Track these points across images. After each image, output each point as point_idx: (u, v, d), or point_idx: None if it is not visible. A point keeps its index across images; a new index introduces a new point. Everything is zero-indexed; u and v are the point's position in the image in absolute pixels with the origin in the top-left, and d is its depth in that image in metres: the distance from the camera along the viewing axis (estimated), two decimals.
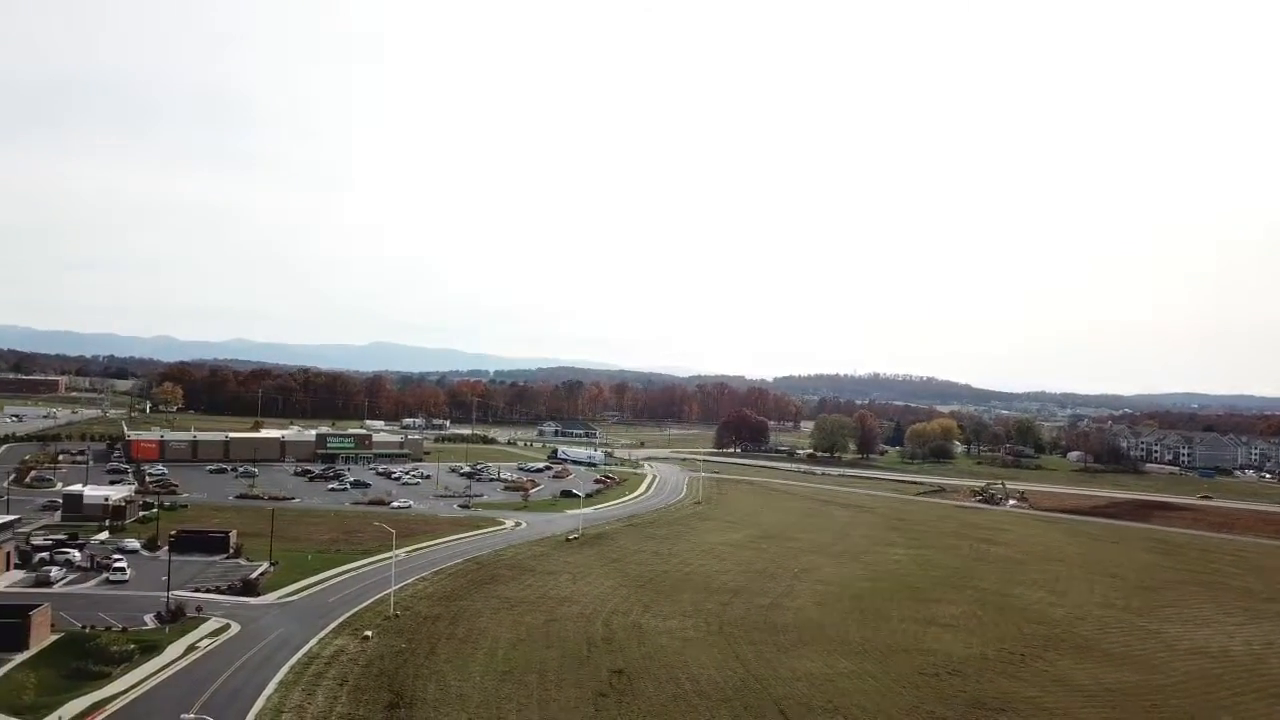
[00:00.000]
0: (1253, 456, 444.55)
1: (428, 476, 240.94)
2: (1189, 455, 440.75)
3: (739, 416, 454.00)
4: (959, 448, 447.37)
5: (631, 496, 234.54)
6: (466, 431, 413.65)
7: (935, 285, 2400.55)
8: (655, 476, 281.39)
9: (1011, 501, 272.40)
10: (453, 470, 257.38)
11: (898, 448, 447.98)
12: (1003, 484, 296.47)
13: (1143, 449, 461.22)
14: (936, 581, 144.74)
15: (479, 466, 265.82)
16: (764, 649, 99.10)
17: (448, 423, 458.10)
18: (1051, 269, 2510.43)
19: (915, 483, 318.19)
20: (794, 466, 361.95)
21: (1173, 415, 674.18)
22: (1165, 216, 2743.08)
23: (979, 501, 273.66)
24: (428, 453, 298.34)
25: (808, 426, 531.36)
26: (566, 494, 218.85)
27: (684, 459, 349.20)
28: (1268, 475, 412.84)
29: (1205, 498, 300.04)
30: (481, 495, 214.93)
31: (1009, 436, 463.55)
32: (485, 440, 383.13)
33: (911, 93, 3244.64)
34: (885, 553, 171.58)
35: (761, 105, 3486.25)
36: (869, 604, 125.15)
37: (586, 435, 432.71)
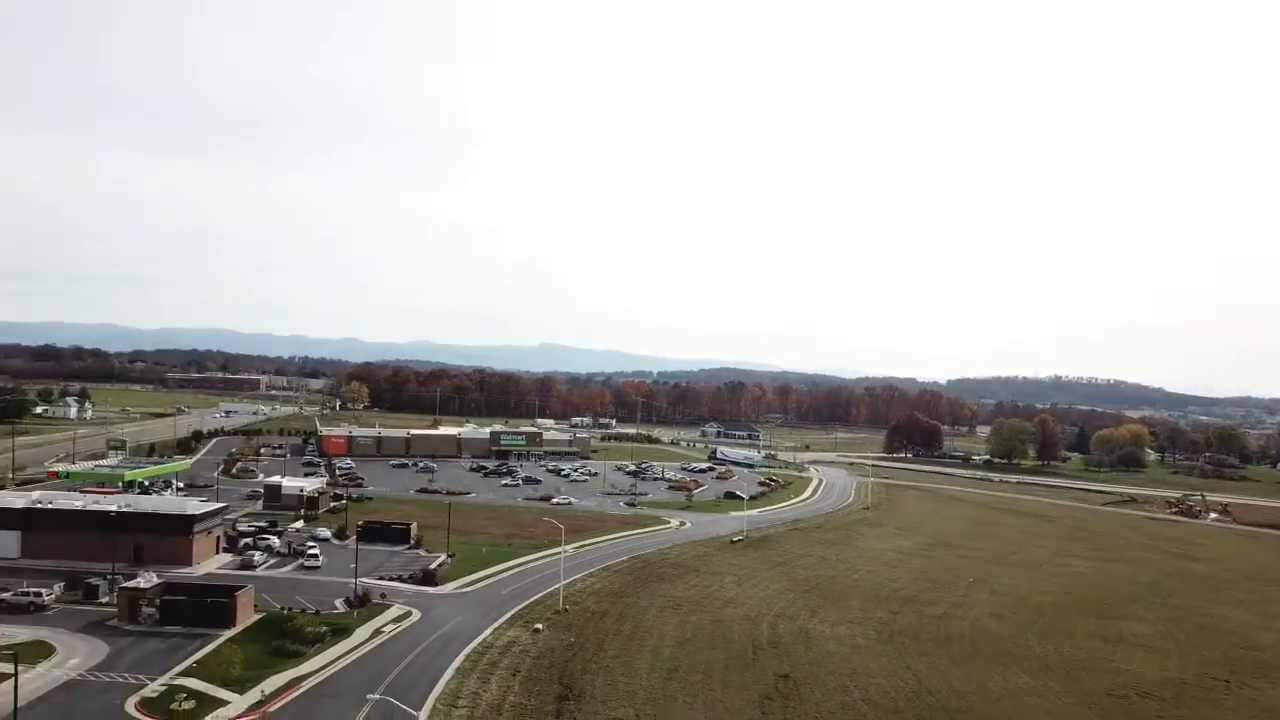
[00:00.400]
0: None
1: (595, 474, 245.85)
2: None
3: (910, 420, 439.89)
4: (1151, 456, 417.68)
5: (797, 500, 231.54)
6: (631, 431, 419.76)
7: (1125, 282, 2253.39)
8: (821, 480, 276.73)
9: (1213, 515, 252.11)
10: (618, 468, 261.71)
11: (1082, 455, 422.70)
12: (1202, 495, 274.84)
13: None
14: (1126, 597, 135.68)
15: (644, 465, 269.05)
16: (937, 660, 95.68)
17: (613, 422, 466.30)
18: (1254, 264, 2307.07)
19: (1101, 492, 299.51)
20: (969, 473, 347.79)
21: None
22: None
23: (1174, 514, 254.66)
24: (595, 451, 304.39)
25: (984, 431, 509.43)
26: (730, 495, 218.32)
27: (851, 463, 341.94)
28: None
29: None
30: (646, 494, 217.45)
31: (1209, 444, 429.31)
32: (649, 440, 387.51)
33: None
34: (1067, 564, 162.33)
35: (914, 97, 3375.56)
36: (1050, 617, 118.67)
37: (749, 437, 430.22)
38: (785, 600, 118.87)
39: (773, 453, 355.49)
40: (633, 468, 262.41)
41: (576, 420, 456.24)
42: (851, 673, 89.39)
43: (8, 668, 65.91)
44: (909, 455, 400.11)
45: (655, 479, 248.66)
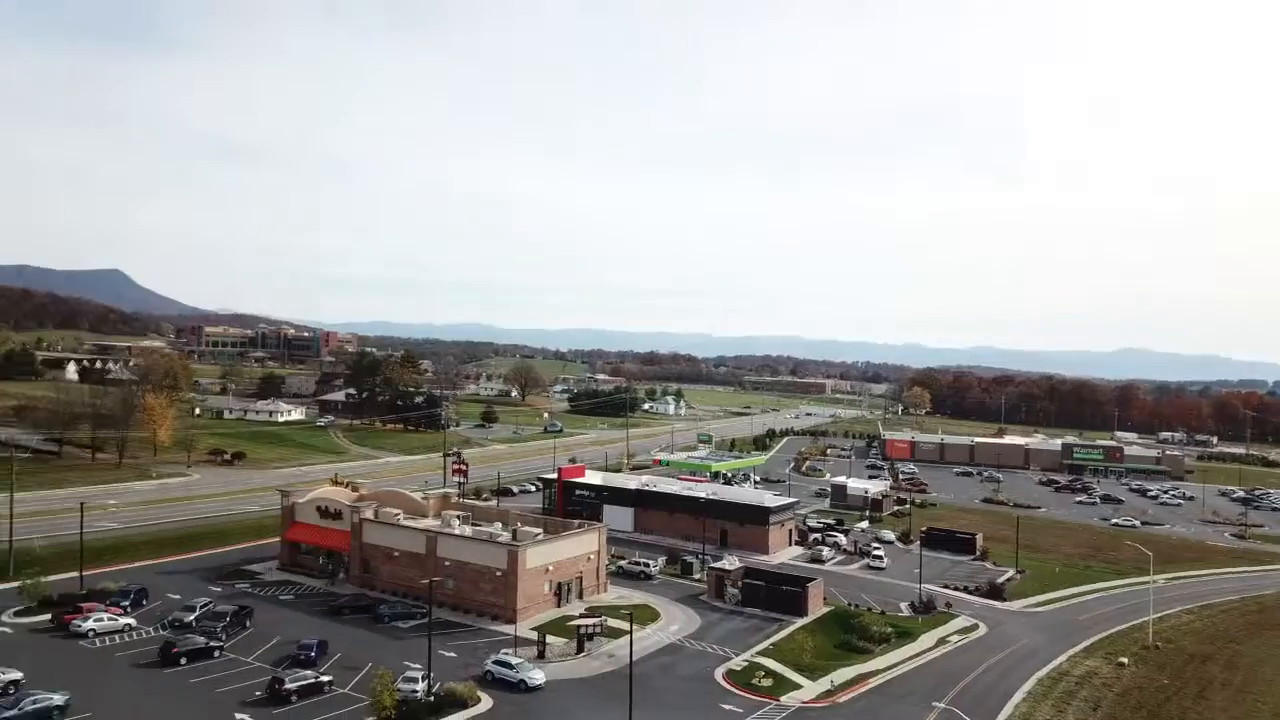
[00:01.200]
0: None
1: (1191, 498, 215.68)
2: None
3: None
4: None
5: None
6: (1239, 450, 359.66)
7: None
8: None
9: None
10: (1221, 493, 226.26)
11: None
12: None
13: None
14: None
15: (1257, 492, 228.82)
16: None
17: (1214, 439, 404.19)
18: None
19: None
20: None
21: None
22: None
23: None
24: (1189, 471, 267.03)
25: None
26: None
27: None
28: None
29: None
30: (1261, 525, 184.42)
31: None
32: (1264, 462, 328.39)
33: None
34: None
35: None
36: None
37: None
38: None
39: None
40: (1241, 494, 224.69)
41: (1165, 435, 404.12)
42: None
43: (626, 625, 77.37)
44: None
45: (1274, 509, 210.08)
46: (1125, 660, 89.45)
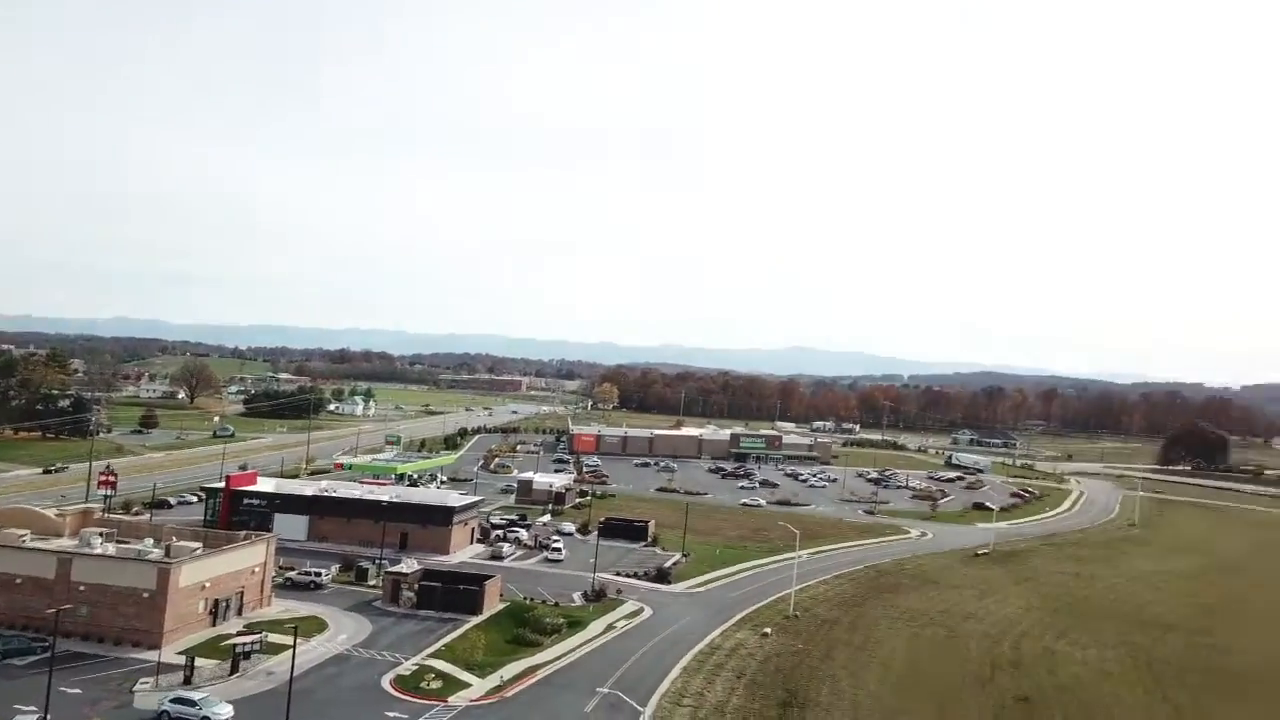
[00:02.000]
0: None
1: (834, 480, 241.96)
2: None
3: (1190, 430, 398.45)
4: None
5: (1052, 513, 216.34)
6: (876, 437, 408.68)
7: None
8: (1082, 493, 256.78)
9: None
10: (859, 475, 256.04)
11: None
12: None
13: None
14: None
15: (886, 473, 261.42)
16: (1201, 694, 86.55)
17: (857, 427, 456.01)
18: None
19: None
20: (1262, 489, 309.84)
21: None
22: None
23: None
24: (835, 456, 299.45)
25: None
26: (979, 506, 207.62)
27: (1119, 475, 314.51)
28: None
29: None
30: (888, 502, 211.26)
31: None
32: (894, 446, 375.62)
33: None
34: None
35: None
36: None
37: (1005, 445, 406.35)
38: (1031, 619, 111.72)
39: (1029, 463, 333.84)
40: (874, 474, 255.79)
41: (818, 425, 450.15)
42: (1099, 700, 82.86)
43: (288, 639, 74.40)
44: (1189, 469, 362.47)
45: (898, 487, 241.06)
46: (769, 630, 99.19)
